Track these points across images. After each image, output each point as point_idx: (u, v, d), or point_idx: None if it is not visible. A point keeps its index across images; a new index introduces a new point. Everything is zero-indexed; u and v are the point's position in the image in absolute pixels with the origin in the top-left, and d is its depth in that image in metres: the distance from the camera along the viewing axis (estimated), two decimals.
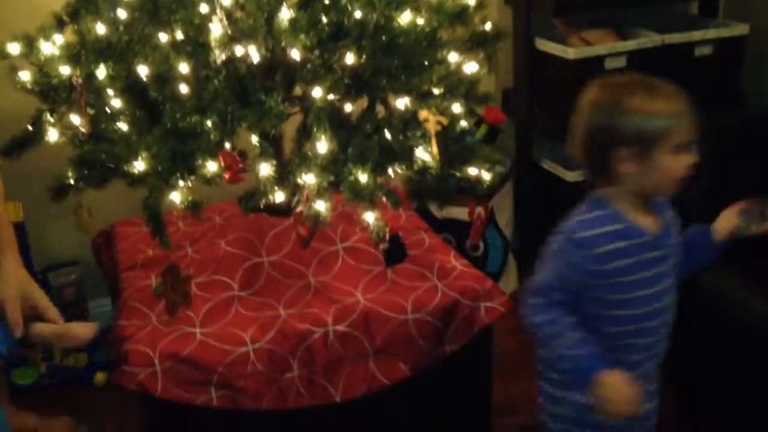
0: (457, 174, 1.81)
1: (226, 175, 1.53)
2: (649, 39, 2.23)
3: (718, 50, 2.29)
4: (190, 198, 1.58)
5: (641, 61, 2.24)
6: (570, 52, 2.21)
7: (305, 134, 1.71)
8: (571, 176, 2.34)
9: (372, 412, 1.71)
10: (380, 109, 1.77)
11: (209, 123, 1.54)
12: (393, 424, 1.78)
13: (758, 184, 1.83)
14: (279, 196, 1.65)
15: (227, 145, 1.56)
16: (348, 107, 1.73)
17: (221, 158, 1.53)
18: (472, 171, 1.81)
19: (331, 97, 1.64)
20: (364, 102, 1.78)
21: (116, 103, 1.67)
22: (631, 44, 2.22)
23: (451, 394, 1.82)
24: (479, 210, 1.87)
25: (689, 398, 1.94)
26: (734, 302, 1.69)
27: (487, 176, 1.79)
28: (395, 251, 1.79)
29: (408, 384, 1.70)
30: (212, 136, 1.53)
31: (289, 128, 1.79)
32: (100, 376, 2.14)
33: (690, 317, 1.84)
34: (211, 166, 1.54)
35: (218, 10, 1.59)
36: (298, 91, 1.77)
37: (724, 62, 2.32)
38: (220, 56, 1.58)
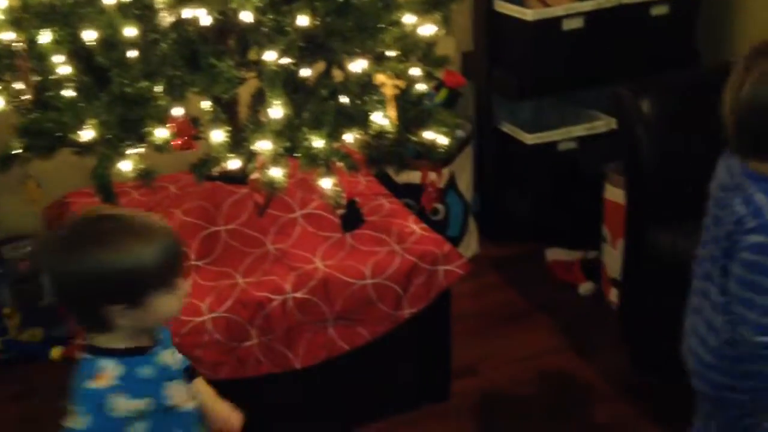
0: (414, 138, 1.80)
1: (177, 142, 1.50)
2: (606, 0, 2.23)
3: (674, 9, 2.29)
4: (141, 166, 1.54)
5: (599, 21, 2.23)
6: (528, 14, 2.20)
7: (260, 99, 1.68)
8: (530, 139, 2.35)
9: (331, 376, 1.72)
10: (338, 74, 1.75)
11: (158, 88, 1.50)
12: (352, 387, 1.79)
13: (713, 139, 1.85)
14: (234, 163, 1.62)
15: (178, 111, 1.52)
16: (305, 71, 1.70)
17: (171, 125, 1.50)
18: (430, 135, 1.80)
19: (285, 60, 1.61)
20: (321, 66, 1.75)
21: (62, 69, 1.62)
22: (588, 5, 2.21)
23: (411, 357, 1.83)
24: (432, 175, 1.85)
25: (643, 352, 1.99)
26: (682, 253, 1.72)
27: (444, 140, 1.78)
28: (352, 217, 1.78)
29: (367, 347, 1.70)
30: (162, 102, 1.49)
31: (245, 93, 1.75)
32: (55, 351, 2.11)
33: (640, 269, 1.89)
34: (161, 133, 1.50)
35: None
36: (253, 55, 1.73)
37: (680, 21, 2.33)
38: (167, 19, 1.53)
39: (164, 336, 1.16)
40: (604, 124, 2.37)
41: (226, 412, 1.24)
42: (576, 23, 2.23)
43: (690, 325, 1.37)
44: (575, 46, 2.26)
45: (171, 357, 1.15)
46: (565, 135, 2.37)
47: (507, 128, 2.44)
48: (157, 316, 1.08)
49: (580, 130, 2.38)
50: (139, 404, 1.06)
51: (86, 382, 1.06)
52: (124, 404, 1.05)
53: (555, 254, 2.42)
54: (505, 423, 1.87)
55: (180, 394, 1.13)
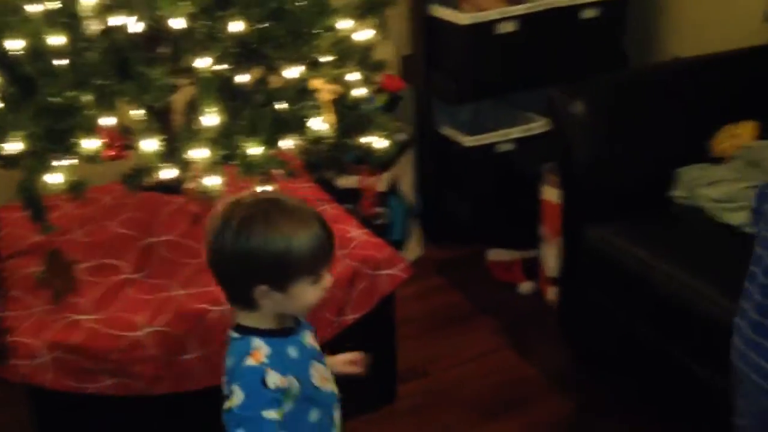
0: (354, 143, 1.80)
1: (108, 153, 1.46)
2: (538, 3, 2.28)
3: (603, 13, 2.36)
4: (71, 178, 1.50)
5: (531, 25, 2.28)
6: (462, 18, 2.23)
7: (195, 107, 1.65)
8: (469, 141, 2.38)
9: None
10: (276, 80, 1.73)
11: (87, 98, 1.46)
12: None
13: (642, 138, 1.91)
14: (169, 173, 1.59)
15: (108, 121, 1.48)
16: (240, 78, 1.68)
17: (101, 135, 1.46)
18: (369, 140, 1.80)
19: (220, 67, 1.59)
20: (258, 72, 1.73)
21: None
22: (520, 9, 2.25)
23: None
24: (369, 180, 1.87)
25: (581, 347, 2.04)
26: (616, 251, 1.77)
27: (382, 144, 1.78)
28: None
29: None
30: (91, 112, 1.45)
31: (180, 101, 1.72)
32: None
33: (577, 268, 1.93)
34: (91, 144, 1.46)
35: None
36: (187, 62, 1.70)
37: (609, 24, 2.40)
38: (95, 27, 1.49)
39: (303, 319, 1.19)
40: (540, 125, 2.41)
41: (347, 357, 1.29)
42: (509, 27, 2.27)
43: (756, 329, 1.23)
44: (510, 50, 2.30)
45: (312, 338, 1.17)
46: (503, 137, 2.41)
47: (446, 131, 2.46)
48: (298, 303, 1.10)
49: (517, 132, 2.42)
50: (285, 383, 1.07)
51: (245, 360, 1.07)
52: (277, 381, 1.07)
53: (496, 255, 2.45)
54: (452, 423, 1.88)
55: (321, 375, 1.16)
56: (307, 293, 1.09)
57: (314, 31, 1.66)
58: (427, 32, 2.39)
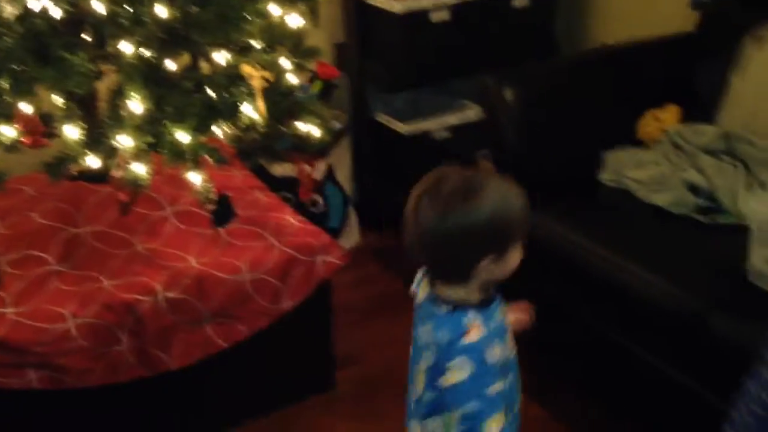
0: (287, 130, 1.79)
1: (27, 140, 1.41)
2: None
3: (534, 2, 2.39)
4: None
5: (464, 14, 2.30)
6: (396, 6, 2.23)
7: (120, 93, 1.61)
8: (405, 128, 2.39)
9: (211, 371, 1.68)
10: (207, 66, 1.70)
11: (4, 84, 1.41)
12: (234, 382, 1.76)
13: (569, 124, 1.96)
14: (93, 161, 1.55)
15: (27, 108, 1.43)
16: (169, 64, 1.65)
17: (20, 122, 1.41)
18: (302, 127, 1.79)
19: (145, 52, 1.55)
20: (187, 58, 1.70)
21: None
22: None
23: (293, 349, 1.82)
24: (307, 167, 1.87)
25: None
26: (548, 235, 1.81)
27: (317, 132, 1.77)
28: (222, 211, 1.74)
29: (248, 341, 1.68)
30: (7, 98, 1.40)
31: (105, 88, 1.67)
32: None
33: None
34: (8, 131, 1.41)
35: None
36: (112, 48, 1.65)
37: (540, 13, 2.44)
38: (10, 11, 1.43)
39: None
40: (475, 113, 2.44)
41: (514, 314, 1.25)
42: (443, 15, 2.28)
43: None
44: (443, 38, 2.32)
45: (503, 311, 1.17)
46: (439, 124, 2.43)
47: (382, 118, 2.47)
48: (507, 268, 1.10)
49: (452, 119, 2.44)
50: (500, 353, 1.08)
51: (462, 338, 1.06)
52: (498, 352, 1.07)
53: None
54: (390, 409, 1.89)
55: (512, 344, 1.17)
56: (516, 256, 1.10)
57: (243, 16, 1.64)
58: (360, 20, 2.38)
